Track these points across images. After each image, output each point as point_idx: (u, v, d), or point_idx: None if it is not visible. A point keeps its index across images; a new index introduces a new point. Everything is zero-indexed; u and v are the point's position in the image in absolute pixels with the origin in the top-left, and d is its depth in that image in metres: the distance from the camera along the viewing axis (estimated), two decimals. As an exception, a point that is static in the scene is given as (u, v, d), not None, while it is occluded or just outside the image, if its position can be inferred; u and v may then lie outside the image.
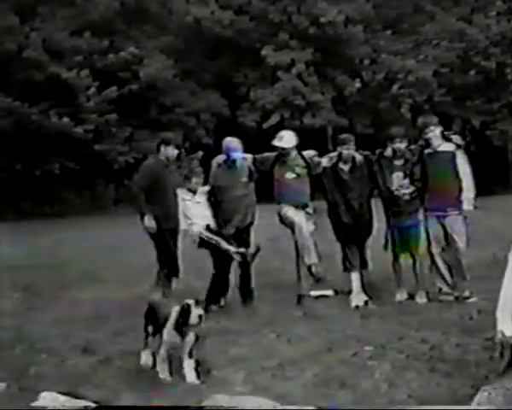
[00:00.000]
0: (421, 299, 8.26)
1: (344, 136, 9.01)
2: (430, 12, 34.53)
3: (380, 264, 8.95)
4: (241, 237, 8.64)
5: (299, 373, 5.65)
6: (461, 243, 8.11)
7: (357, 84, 32.96)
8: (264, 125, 31.18)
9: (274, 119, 31.77)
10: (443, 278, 8.21)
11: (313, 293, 8.74)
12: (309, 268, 8.47)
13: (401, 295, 8.43)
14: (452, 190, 8.13)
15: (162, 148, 8.57)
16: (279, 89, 31.96)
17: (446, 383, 5.19)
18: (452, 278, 8.20)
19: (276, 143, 8.69)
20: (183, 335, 5.79)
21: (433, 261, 8.27)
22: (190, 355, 5.84)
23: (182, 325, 5.77)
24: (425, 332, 6.62)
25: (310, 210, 8.65)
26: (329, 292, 8.88)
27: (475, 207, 8.22)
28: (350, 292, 8.52)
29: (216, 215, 8.67)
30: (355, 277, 8.52)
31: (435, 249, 8.20)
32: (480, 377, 5.14)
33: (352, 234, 8.52)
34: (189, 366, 5.79)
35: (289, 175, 8.59)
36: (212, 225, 8.58)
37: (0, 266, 12.99)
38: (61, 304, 9.33)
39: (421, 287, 8.35)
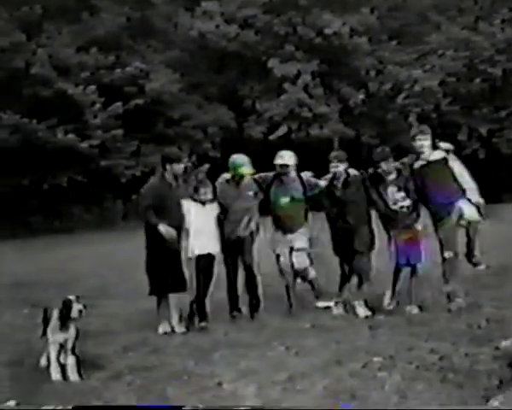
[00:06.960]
0: (412, 309, 8.18)
1: (333, 154, 8.88)
2: (435, 22, 34.57)
3: (386, 276, 8.90)
4: (243, 246, 8.63)
5: (309, 386, 5.63)
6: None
7: (363, 95, 33.01)
8: (271, 137, 31.19)
9: (281, 130, 31.80)
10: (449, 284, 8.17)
11: (320, 304, 8.72)
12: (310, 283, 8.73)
13: (389, 304, 8.41)
14: (454, 193, 8.06)
15: (168, 166, 8.33)
16: (285, 101, 32.02)
17: (457, 393, 5.16)
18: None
19: (277, 161, 8.60)
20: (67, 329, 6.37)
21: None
22: (73, 352, 6.32)
23: (65, 319, 6.35)
24: (434, 343, 6.58)
25: (303, 231, 8.63)
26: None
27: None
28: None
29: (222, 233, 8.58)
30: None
31: (447, 255, 8.09)
32: (491, 387, 5.11)
33: (349, 248, 8.45)
34: (71, 364, 6.28)
35: (284, 199, 8.56)
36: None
37: (10, 281, 13.08)
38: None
39: (414, 298, 8.29)
